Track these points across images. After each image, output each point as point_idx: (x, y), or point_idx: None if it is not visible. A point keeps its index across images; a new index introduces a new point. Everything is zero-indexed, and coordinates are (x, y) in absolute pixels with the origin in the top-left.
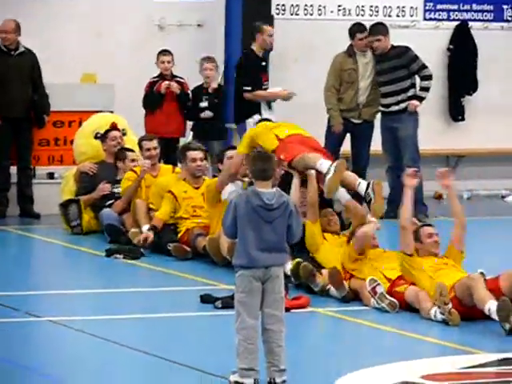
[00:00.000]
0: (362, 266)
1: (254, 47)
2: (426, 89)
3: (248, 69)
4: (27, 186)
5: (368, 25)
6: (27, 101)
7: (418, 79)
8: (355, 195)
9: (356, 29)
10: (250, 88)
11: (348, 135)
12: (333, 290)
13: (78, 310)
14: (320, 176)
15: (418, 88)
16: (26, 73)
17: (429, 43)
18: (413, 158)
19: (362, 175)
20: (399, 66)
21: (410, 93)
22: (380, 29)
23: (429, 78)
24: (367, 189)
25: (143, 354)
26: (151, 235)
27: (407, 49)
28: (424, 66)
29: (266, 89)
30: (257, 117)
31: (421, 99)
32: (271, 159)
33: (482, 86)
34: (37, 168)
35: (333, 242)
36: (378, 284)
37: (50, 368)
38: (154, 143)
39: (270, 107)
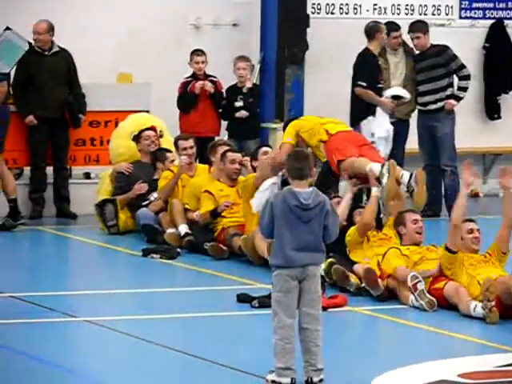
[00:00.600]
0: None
1: (371, 46)
2: (463, 89)
3: (365, 66)
4: (63, 186)
5: (404, 23)
6: (63, 101)
7: (455, 78)
8: None
9: (390, 27)
10: (364, 84)
11: None
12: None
13: (114, 310)
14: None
15: (455, 87)
16: (61, 73)
17: (464, 41)
18: (450, 157)
19: None
20: (438, 64)
21: (448, 92)
22: (420, 26)
23: (467, 77)
24: (410, 179)
25: (180, 353)
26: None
27: (446, 48)
28: (463, 66)
29: (381, 88)
30: (371, 117)
31: (458, 99)
32: (308, 158)
33: None
34: (73, 168)
35: (371, 239)
36: (420, 281)
37: (87, 369)
38: (191, 142)
39: (391, 116)
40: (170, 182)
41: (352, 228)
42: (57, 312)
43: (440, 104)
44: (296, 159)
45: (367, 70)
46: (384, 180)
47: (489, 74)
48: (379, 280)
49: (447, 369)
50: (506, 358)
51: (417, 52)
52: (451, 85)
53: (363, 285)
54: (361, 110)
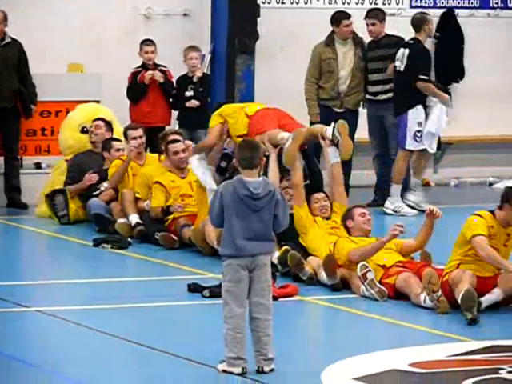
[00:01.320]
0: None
1: (420, 37)
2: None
3: (424, 58)
4: (14, 176)
5: (355, 13)
6: (14, 91)
7: None
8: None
9: (342, 15)
10: (427, 77)
11: None
12: (322, 277)
13: (66, 299)
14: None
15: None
16: (13, 63)
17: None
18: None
19: (349, 163)
20: (390, 55)
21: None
22: (376, 13)
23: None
24: (333, 132)
25: (132, 343)
26: None
27: (401, 39)
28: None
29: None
30: (420, 106)
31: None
32: (257, 148)
33: (469, 73)
34: (24, 158)
35: (323, 227)
36: (369, 270)
37: (39, 358)
38: (140, 132)
39: (448, 105)
40: (120, 169)
41: (296, 210)
42: (8, 302)
43: (390, 95)
44: (245, 148)
45: (425, 62)
46: (286, 145)
47: (440, 63)
48: (337, 269)
49: (398, 358)
50: (457, 348)
51: (370, 39)
52: None
53: (321, 272)
54: (409, 98)
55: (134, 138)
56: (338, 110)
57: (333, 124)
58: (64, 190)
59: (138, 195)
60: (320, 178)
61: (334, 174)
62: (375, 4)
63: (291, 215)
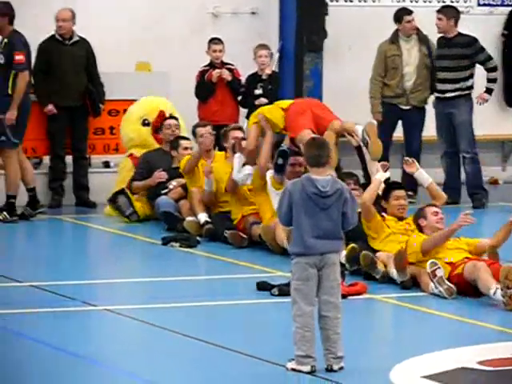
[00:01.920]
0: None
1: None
2: (493, 80)
3: None
4: (83, 175)
5: (422, 11)
6: (82, 90)
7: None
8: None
9: (403, 12)
10: None
11: (400, 122)
12: (392, 273)
13: (134, 298)
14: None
15: (485, 79)
16: (81, 62)
17: (483, 29)
18: (469, 144)
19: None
20: (464, 55)
21: (469, 83)
22: (445, 10)
23: (495, 69)
24: (363, 134)
25: (201, 341)
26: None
27: (475, 40)
28: (490, 57)
29: None
30: None
31: (490, 91)
32: (325, 145)
33: None
34: (92, 157)
35: (395, 228)
36: (439, 267)
37: (108, 357)
38: (208, 129)
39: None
40: (191, 160)
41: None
42: (76, 301)
43: (459, 93)
44: (313, 146)
45: None
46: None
47: (507, 61)
48: (407, 266)
49: (467, 356)
50: None
51: (439, 35)
52: (472, 76)
53: (391, 268)
54: None
55: (203, 136)
56: (404, 108)
57: (361, 127)
58: (123, 189)
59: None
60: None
61: (434, 194)
62: (443, 1)
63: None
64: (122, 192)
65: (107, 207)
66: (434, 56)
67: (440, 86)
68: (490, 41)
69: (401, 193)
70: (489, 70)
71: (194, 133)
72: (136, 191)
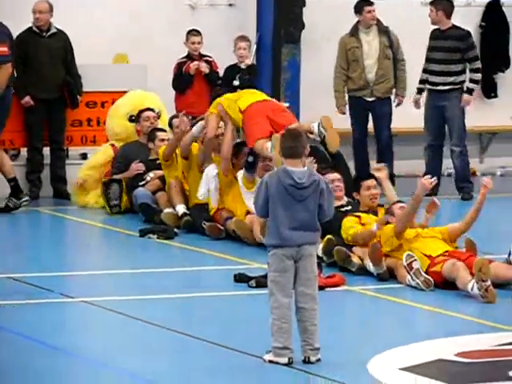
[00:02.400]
0: (400, 248)
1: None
2: (476, 81)
3: None
4: (60, 166)
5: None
6: (60, 82)
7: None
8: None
9: (364, 3)
10: None
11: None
12: (369, 266)
13: (112, 290)
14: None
15: (467, 79)
16: (58, 54)
17: (461, 20)
18: (460, 137)
19: (386, 153)
20: (457, 48)
21: (463, 77)
22: (436, 2)
23: (479, 70)
24: (319, 128)
25: (178, 333)
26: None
27: (469, 34)
28: (477, 58)
29: None
30: None
31: (471, 91)
32: (301, 137)
33: None
34: (70, 149)
35: (371, 223)
36: (415, 260)
37: (85, 349)
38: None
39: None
40: (170, 143)
41: (350, 219)
42: (54, 293)
43: (451, 87)
44: (289, 138)
45: None
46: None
47: (485, 52)
48: (383, 258)
49: (445, 348)
50: (505, 337)
51: (434, 27)
52: (464, 71)
53: (367, 261)
54: None
55: (177, 127)
56: (369, 99)
57: (316, 122)
58: (120, 180)
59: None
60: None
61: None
62: None
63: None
64: (117, 181)
65: (75, 189)
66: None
67: (432, 79)
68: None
69: (371, 182)
70: (473, 70)
71: (170, 124)
72: (167, 156)
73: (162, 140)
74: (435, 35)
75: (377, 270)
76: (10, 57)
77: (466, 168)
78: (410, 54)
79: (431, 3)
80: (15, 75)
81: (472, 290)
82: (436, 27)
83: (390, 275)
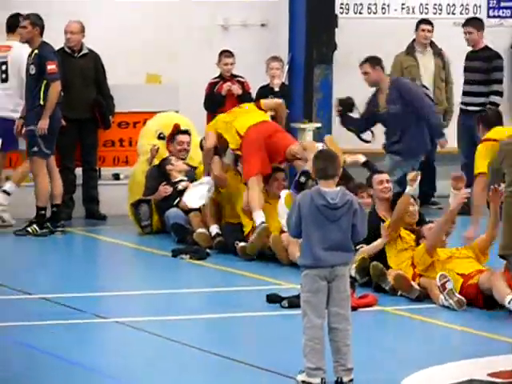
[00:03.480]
0: (434, 269)
1: None
2: (497, 105)
3: None
4: (93, 187)
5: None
6: (92, 102)
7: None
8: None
9: (421, 21)
10: None
11: None
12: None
13: (144, 311)
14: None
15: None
16: (90, 74)
17: (493, 41)
18: None
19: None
20: (484, 69)
21: (491, 98)
22: (473, 22)
23: (500, 94)
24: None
25: (211, 354)
26: None
27: (498, 56)
28: (501, 81)
29: None
30: None
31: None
32: (334, 158)
33: None
34: (102, 169)
35: (406, 240)
36: (448, 280)
37: (118, 370)
38: (187, 138)
39: None
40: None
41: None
42: (87, 313)
43: (481, 108)
44: (321, 159)
45: None
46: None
47: None
48: (412, 282)
49: (477, 368)
50: None
51: (470, 48)
52: (498, 93)
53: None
54: None
55: (181, 143)
56: None
57: (321, 143)
58: (149, 200)
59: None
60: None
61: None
62: (453, 13)
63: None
64: (147, 201)
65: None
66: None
67: (463, 99)
68: (500, 53)
69: (383, 176)
70: (495, 93)
71: (201, 146)
72: (146, 197)
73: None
74: (468, 56)
75: (412, 295)
76: (59, 75)
77: None
78: None
79: (468, 25)
80: (62, 94)
81: (510, 303)
82: (471, 49)
83: (424, 295)
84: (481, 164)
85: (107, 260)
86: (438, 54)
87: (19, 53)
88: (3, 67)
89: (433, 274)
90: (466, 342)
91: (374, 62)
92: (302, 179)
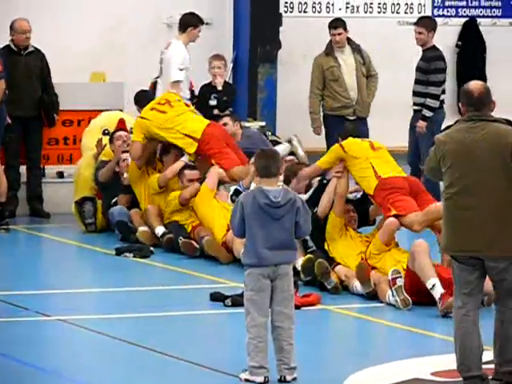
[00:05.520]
0: (385, 260)
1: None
2: (432, 109)
3: None
4: (37, 185)
5: (376, 22)
6: (37, 100)
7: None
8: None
9: (329, 24)
10: None
11: None
12: (355, 287)
13: (87, 308)
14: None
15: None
16: (35, 72)
17: (437, 40)
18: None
19: None
20: (425, 69)
21: (426, 102)
22: (424, 22)
23: (436, 97)
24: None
25: (154, 352)
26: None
27: (440, 58)
28: (438, 84)
29: None
30: None
31: (425, 118)
32: (275, 156)
33: (491, 82)
34: (46, 167)
35: (355, 238)
36: (400, 277)
37: (62, 367)
38: (125, 133)
39: None
40: (110, 164)
41: (332, 218)
42: (30, 311)
43: (419, 108)
44: (263, 157)
45: None
46: None
47: (462, 71)
48: (370, 277)
49: (420, 367)
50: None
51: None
52: (433, 96)
53: (353, 282)
54: None
55: (119, 139)
56: (351, 118)
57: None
58: (93, 197)
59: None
60: None
61: None
62: (397, 12)
63: (325, 220)
64: (91, 199)
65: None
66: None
67: (413, 99)
68: (445, 52)
69: (349, 206)
70: (430, 96)
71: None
72: (104, 178)
73: (125, 141)
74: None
75: (365, 289)
76: (3, 74)
77: (437, 187)
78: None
79: (420, 24)
80: (7, 92)
81: (432, 288)
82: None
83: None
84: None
85: (51, 258)
86: (357, 50)
87: None
88: None
89: (380, 262)
90: (409, 341)
91: None
92: (234, 198)
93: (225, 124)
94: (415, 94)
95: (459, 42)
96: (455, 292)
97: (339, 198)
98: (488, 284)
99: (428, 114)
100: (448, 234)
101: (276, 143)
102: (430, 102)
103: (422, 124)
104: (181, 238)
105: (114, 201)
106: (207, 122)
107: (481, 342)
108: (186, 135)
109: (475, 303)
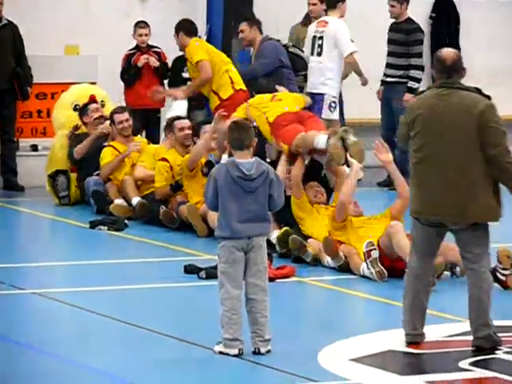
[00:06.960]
0: (348, 235)
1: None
2: (418, 80)
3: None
4: (11, 158)
5: None
6: (10, 73)
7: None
8: None
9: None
10: None
11: None
12: (327, 261)
13: (61, 282)
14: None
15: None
16: (8, 45)
17: (411, 11)
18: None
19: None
20: (405, 42)
21: (411, 73)
22: None
23: (421, 68)
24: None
25: (128, 325)
26: None
27: (419, 30)
28: (420, 55)
29: None
30: None
31: (412, 90)
32: (248, 129)
33: (465, 53)
34: (20, 140)
35: (323, 213)
36: (375, 249)
37: (37, 340)
38: (126, 115)
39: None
40: (114, 162)
41: (293, 201)
42: (4, 284)
43: (397, 80)
44: (236, 130)
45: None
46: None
47: (436, 43)
48: (338, 250)
49: (395, 339)
50: (454, 328)
51: (393, 20)
52: (412, 67)
53: (324, 256)
54: None
55: (121, 122)
56: None
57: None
58: (66, 170)
59: (142, 164)
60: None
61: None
62: None
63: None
64: (63, 172)
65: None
66: None
67: (385, 71)
68: (419, 23)
69: (313, 183)
70: (415, 67)
71: (111, 119)
72: (81, 153)
73: (97, 110)
74: (391, 27)
75: (336, 262)
76: None
77: (405, 162)
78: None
79: None
80: None
81: None
82: (393, 21)
83: (346, 265)
84: None
85: (25, 231)
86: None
87: None
88: None
89: (344, 237)
90: (385, 312)
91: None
92: (205, 170)
93: (242, 31)
94: (391, 66)
95: (433, 14)
96: (411, 251)
97: (294, 185)
98: (457, 254)
99: (414, 85)
100: (414, 196)
101: (296, 56)
102: (415, 73)
103: (408, 96)
104: (162, 206)
105: (95, 173)
106: (288, 109)
107: (427, 305)
108: (267, 121)
109: (429, 265)
